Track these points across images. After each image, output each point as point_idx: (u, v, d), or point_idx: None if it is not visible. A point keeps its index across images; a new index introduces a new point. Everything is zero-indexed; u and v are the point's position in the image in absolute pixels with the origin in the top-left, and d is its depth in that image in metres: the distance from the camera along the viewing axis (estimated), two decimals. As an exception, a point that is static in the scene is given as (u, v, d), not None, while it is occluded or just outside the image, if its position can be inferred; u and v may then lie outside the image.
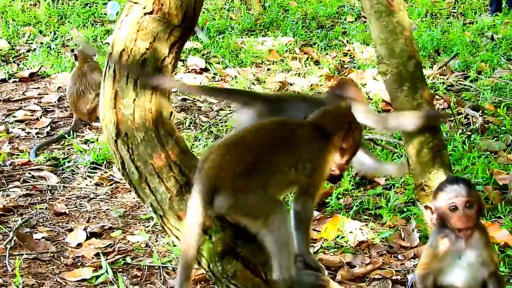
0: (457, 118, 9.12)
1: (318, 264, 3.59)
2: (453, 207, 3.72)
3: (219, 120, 9.34)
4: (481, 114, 9.04)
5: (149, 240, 6.70)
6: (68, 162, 8.27)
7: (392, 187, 7.58)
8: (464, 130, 8.84)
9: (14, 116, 9.65)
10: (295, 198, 3.63)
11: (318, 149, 3.67)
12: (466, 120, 9.18)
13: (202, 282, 6.15)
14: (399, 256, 6.54)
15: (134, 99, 3.49)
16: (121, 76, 3.54)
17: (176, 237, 3.51)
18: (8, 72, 11.20)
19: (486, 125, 8.91)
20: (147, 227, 6.94)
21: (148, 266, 6.28)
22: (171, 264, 6.27)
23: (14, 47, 12.57)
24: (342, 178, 3.99)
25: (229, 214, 3.48)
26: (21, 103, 10.13)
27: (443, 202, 3.72)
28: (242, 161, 3.45)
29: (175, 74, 10.49)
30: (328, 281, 3.51)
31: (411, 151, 4.34)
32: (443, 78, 10.49)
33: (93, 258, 6.39)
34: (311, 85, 10.51)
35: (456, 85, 10.38)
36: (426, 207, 3.75)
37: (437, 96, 9.44)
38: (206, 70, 11.18)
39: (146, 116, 3.50)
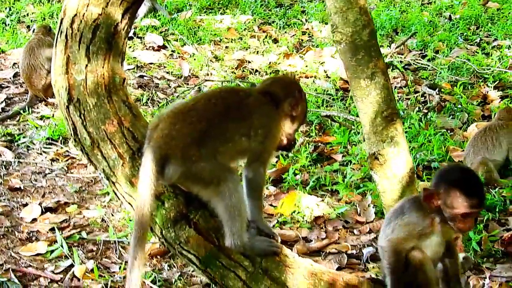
0: (414, 96, 9.17)
1: (271, 230, 3.58)
2: (467, 214, 3.69)
3: (177, 97, 9.29)
4: (437, 93, 9.12)
5: (105, 215, 6.67)
6: (23, 138, 8.17)
7: (349, 163, 7.62)
8: (421, 108, 8.90)
9: (-31, 93, 9.52)
10: (247, 165, 3.61)
11: (269, 115, 3.64)
12: (423, 98, 9.25)
13: (158, 257, 6.15)
14: (355, 231, 6.59)
15: (86, 65, 3.43)
16: (73, 41, 3.49)
17: (129, 203, 3.48)
18: (-38, 48, 11.04)
19: (443, 103, 8.99)
20: (103, 202, 6.90)
21: (103, 241, 6.26)
22: (127, 239, 6.24)
23: (-32, 23, 12.38)
24: (294, 146, 3.96)
25: (180, 183, 3.45)
26: (-25, 79, 9.99)
27: (461, 205, 3.63)
28: (193, 130, 3.41)
29: (133, 51, 10.45)
30: (281, 247, 3.51)
31: (365, 120, 4.35)
32: (400, 57, 10.53)
33: (48, 232, 6.35)
34: (270, 63, 10.50)
35: (413, 64, 10.43)
36: (426, 189, 3.70)
37: (394, 75, 9.49)
38: (164, 47, 11.10)
39: (98, 82, 3.44)
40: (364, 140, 4.64)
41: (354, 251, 6.20)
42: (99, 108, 3.44)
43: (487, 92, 9.25)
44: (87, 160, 3.60)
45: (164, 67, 10.42)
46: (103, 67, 3.45)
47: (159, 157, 3.33)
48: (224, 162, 3.45)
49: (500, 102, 8.96)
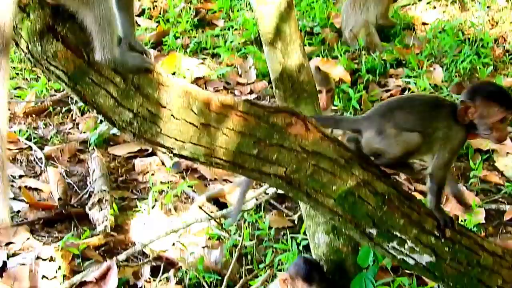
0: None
1: (144, 47, 3.41)
2: (504, 119, 3.70)
3: None
4: (321, -38, 9.05)
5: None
6: None
7: (231, 28, 7.52)
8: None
9: None
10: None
11: None
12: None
13: (33, 115, 5.99)
14: (236, 92, 6.56)
15: None
16: None
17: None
18: None
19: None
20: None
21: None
22: None
23: None
24: None
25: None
26: None
27: (498, 112, 3.60)
28: None
29: None
30: (154, 64, 3.36)
31: None
32: None
33: None
34: None
35: None
36: (463, 102, 3.64)
37: None
38: None
39: None
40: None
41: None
42: None
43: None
44: None
45: None
46: None
47: None
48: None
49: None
